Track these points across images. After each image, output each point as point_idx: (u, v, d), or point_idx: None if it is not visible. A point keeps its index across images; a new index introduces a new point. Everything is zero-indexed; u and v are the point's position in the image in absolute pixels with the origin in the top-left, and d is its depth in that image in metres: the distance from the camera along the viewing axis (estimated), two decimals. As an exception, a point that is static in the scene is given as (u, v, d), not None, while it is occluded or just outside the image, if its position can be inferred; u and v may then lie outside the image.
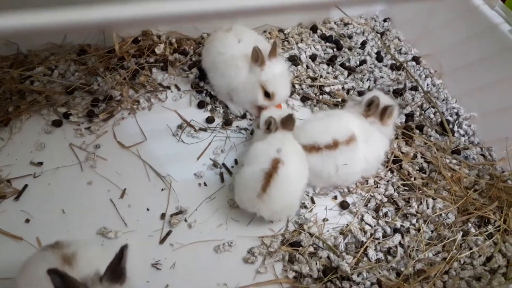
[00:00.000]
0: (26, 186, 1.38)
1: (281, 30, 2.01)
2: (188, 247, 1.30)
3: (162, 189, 1.43)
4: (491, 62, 1.63)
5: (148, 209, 1.38)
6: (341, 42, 1.99)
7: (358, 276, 1.26)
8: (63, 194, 1.38)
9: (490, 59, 1.63)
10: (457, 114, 1.74)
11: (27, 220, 1.31)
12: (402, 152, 1.60)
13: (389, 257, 1.32)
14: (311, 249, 1.32)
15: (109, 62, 1.72)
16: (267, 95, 1.53)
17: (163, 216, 1.37)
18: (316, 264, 1.28)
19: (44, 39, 1.70)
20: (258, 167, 1.27)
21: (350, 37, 2.03)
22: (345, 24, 2.10)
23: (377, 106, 1.44)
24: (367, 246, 1.33)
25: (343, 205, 1.44)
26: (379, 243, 1.35)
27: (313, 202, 1.45)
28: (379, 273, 1.26)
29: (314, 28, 2.04)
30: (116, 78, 1.68)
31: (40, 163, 1.44)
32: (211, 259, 1.29)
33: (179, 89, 1.74)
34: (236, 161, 1.54)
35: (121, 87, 1.66)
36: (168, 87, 1.73)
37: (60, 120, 1.55)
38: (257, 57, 1.49)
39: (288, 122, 1.39)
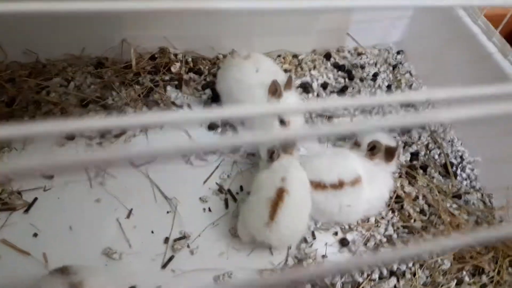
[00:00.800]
0: (36, 199, 1.42)
1: (295, 56, 2.04)
2: (189, 274, 1.34)
3: (168, 212, 1.47)
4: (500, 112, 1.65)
5: (152, 232, 1.42)
6: (353, 72, 2.01)
7: (351, 317, 1.29)
8: (72, 210, 1.42)
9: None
10: (461, 157, 1.77)
11: (35, 235, 1.35)
12: (404, 192, 1.63)
13: (383, 301, 1.36)
14: (309, 286, 1.36)
15: (125, 77, 1.75)
16: (283, 123, 1.55)
17: (166, 240, 1.40)
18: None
19: (63, 49, 1.72)
20: (263, 196, 1.31)
21: (362, 67, 2.05)
22: (359, 54, 2.12)
23: (380, 150, 1.47)
24: (363, 287, 1.37)
25: (343, 243, 1.48)
26: (374, 285, 1.38)
27: (313, 236, 1.49)
28: (373, 317, 1.30)
29: (327, 56, 2.06)
30: (130, 94, 1.71)
31: (51, 177, 1.48)
32: (210, 288, 1.33)
33: (191, 109, 1.77)
34: (241, 188, 1.57)
35: (135, 104, 1.69)
36: (181, 106, 1.76)
37: (73, 134, 1.58)
38: (275, 91, 1.52)
39: (287, 146, 1.41)
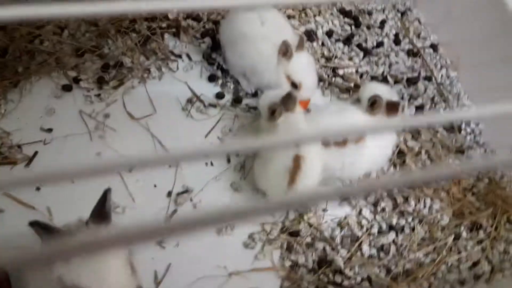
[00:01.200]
0: (36, 152, 1.40)
1: (300, 1, 1.93)
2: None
3: (170, 166, 1.46)
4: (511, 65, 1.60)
5: (155, 186, 1.42)
6: (360, 18, 1.92)
7: (350, 270, 1.33)
8: (73, 164, 1.40)
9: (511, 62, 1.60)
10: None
11: (38, 189, 1.35)
12: (407, 147, 1.62)
13: (382, 254, 1.39)
14: (309, 239, 1.38)
15: (120, 25, 1.66)
16: (294, 86, 1.50)
17: (169, 194, 1.41)
18: (312, 255, 1.35)
19: (54, -5, 1.62)
20: (280, 166, 1.30)
21: (370, 13, 1.96)
22: (367, -1, 2.01)
23: (380, 106, 1.42)
24: (362, 241, 1.40)
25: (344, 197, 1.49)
26: (374, 238, 1.41)
27: (315, 191, 1.49)
28: (370, 270, 1.34)
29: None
30: (127, 43, 1.64)
31: (50, 130, 1.45)
32: (213, 241, 1.35)
33: (190, 59, 1.70)
34: (243, 141, 1.55)
35: (132, 53, 1.63)
36: (180, 56, 1.69)
37: (70, 85, 1.53)
38: (286, 51, 1.46)
39: (288, 101, 1.36)
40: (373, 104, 1.42)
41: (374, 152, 1.44)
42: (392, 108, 1.41)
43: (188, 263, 1.31)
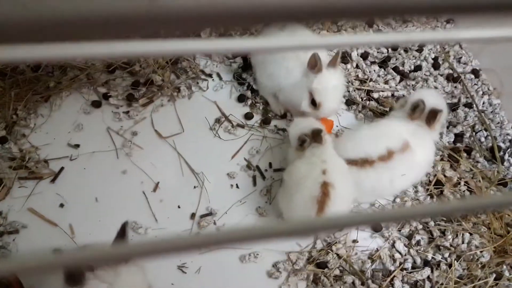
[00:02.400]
0: (62, 168, 1.40)
1: (334, 21, 1.89)
2: (214, 253, 1.31)
3: (195, 187, 1.42)
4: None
5: (179, 207, 1.38)
6: (397, 41, 1.85)
7: (381, 308, 1.24)
8: (98, 181, 1.39)
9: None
10: (510, 141, 1.63)
11: (61, 205, 1.33)
12: (445, 176, 1.52)
13: (415, 292, 1.29)
14: (337, 271, 1.30)
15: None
16: (314, 103, 1.45)
17: (193, 216, 1.36)
18: (340, 289, 1.27)
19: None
20: (307, 194, 1.22)
21: (414, 43, 1.88)
22: (405, 21, 1.95)
23: (422, 111, 1.35)
24: (394, 276, 1.30)
25: (376, 228, 1.40)
26: (408, 273, 1.32)
27: (344, 220, 1.42)
28: (404, 309, 1.24)
29: (370, 22, 1.91)
30: (158, 61, 1.63)
31: (77, 146, 1.45)
32: (236, 268, 1.29)
33: (220, 78, 1.68)
34: (270, 164, 1.50)
35: (162, 71, 1.62)
36: (210, 75, 1.67)
37: (100, 101, 1.53)
38: (314, 65, 1.40)
39: (317, 137, 1.29)
40: (415, 108, 1.36)
41: (421, 157, 1.35)
42: (433, 115, 1.34)
43: (209, 290, 1.25)
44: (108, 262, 0.86)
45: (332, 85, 1.45)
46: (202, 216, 1.36)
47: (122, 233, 0.90)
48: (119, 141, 1.48)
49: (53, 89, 1.51)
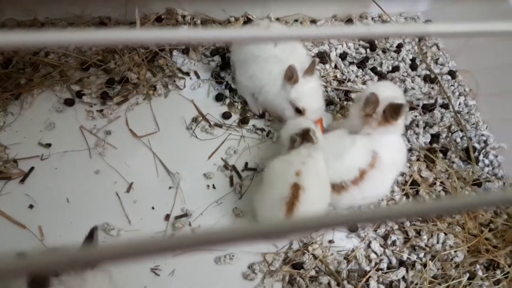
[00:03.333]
0: (32, 168, 1.35)
1: (313, 21, 1.89)
2: (189, 255, 1.28)
3: (170, 187, 1.40)
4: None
5: (153, 208, 1.35)
6: (376, 42, 1.86)
7: (356, 308, 1.24)
8: (69, 181, 1.35)
9: (533, 92, 1.52)
10: (485, 142, 1.65)
11: (31, 206, 1.29)
12: (421, 177, 1.53)
13: (390, 292, 1.30)
14: (313, 272, 1.30)
15: (128, 40, 1.63)
16: (298, 111, 1.43)
17: (167, 217, 1.34)
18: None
19: (63, 8, 1.60)
20: (277, 194, 1.20)
21: (386, 37, 1.89)
22: (383, 22, 1.96)
23: (372, 103, 1.29)
24: (369, 277, 1.31)
25: (352, 228, 1.40)
26: (383, 273, 1.32)
27: (321, 220, 1.41)
28: (378, 310, 1.25)
29: (349, 22, 1.91)
30: (134, 59, 1.60)
31: (49, 145, 1.41)
32: (211, 270, 1.28)
33: (198, 77, 1.65)
34: (246, 164, 1.48)
35: (138, 69, 1.58)
36: (187, 73, 1.65)
37: (73, 99, 1.49)
38: (291, 76, 1.39)
39: (306, 135, 1.29)
40: (366, 102, 1.30)
41: (392, 161, 1.34)
42: (395, 110, 1.28)
43: (183, 293, 1.23)
44: (74, 266, 0.84)
45: (310, 89, 1.44)
46: (177, 218, 1.34)
47: (90, 236, 0.87)
48: (92, 140, 1.44)
49: (24, 86, 1.47)
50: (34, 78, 1.48)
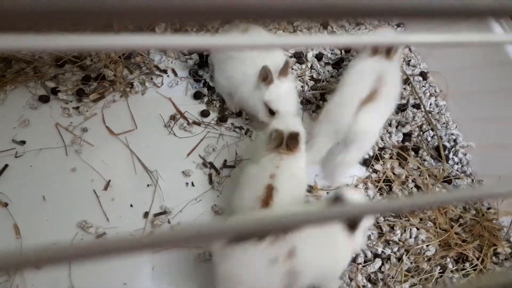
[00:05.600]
0: (6, 165, 1.32)
1: (290, 22, 1.91)
2: (168, 252, 1.29)
3: (148, 185, 1.39)
4: (499, 97, 1.59)
5: (131, 205, 1.35)
6: (350, 43, 1.90)
7: (333, 302, 1.27)
8: (45, 179, 1.33)
9: (500, 93, 1.59)
10: (455, 140, 1.71)
11: (6, 204, 1.26)
12: (394, 174, 1.59)
13: (369, 285, 1.34)
14: (291, 268, 1.32)
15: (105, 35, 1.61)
16: (271, 112, 1.45)
17: (146, 215, 1.34)
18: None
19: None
20: (253, 193, 1.22)
21: (363, 46, 1.94)
22: (357, 24, 2.00)
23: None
24: (356, 270, 1.34)
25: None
26: (363, 267, 1.36)
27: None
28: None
29: (325, 24, 1.95)
30: (111, 56, 1.58)
31: (23, 142, 1.37)
32: (190, 267, 1.28)
33: (176, 75, 1.65)
34: (225, 162, 1.49)
35: (115, 66, 1.57)
36: (165, 71, 1.64)
37: (48, 96, 1.46)
38: (265, 77, 1.41)
39: (292, 141, 1.28)
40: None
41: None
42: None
43: (163, 290, 1.23)
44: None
45: (284, 91, 1.45)
46: (156, 215, 1.34)
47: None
48: (68, 137, 1.42)
49: (-4, 82, 1.43)
50: (6, 74, 1.44)
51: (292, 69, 1.76)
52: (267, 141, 1.32)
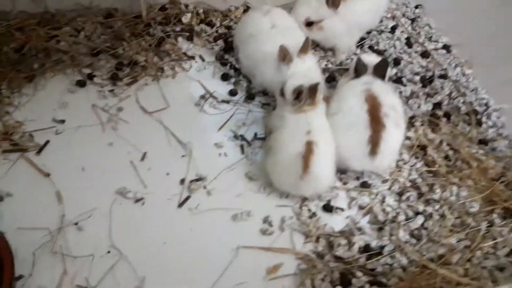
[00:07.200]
0: (47, 141, 1.38)
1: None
2: (206, 213, 1.29)
3: (183, 156, 1.42)
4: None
5: (168, 174, 1.37)
6: (370, 25, 1.94)
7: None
8: (84, 153, 1.37)
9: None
10: (486, 105, 1.69)
11: (48, 174, 1.30)
12: (428, 140, 1.56)
13: (413, 240, 1.29)
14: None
15: (135, 28, 1.71)
16: (283, 93, 1.46)
17: (182, 181, 1.35)
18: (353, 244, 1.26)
19: (72, 0, 1.68)
20: (292, 152, 1.25)
21: (380, 20, 1.98)
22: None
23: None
24: (398, 225, 1.31)
25: (365, 186, 1.41)
26: (404, 224, 1.32)
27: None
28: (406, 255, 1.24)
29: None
30: (141, 44, 1.66)
31: (63, 121, 1.44)
32: (228, 226, 1.27)
33: (203, 60, 1.71)
34: (255, 135, 1.51)
35: (146, 53, 1.64)
36: (193, 57, 1.71)
37: (84, 81, 1.54)
38: (284, 56, 1.45)
39: (313, 91, 1.30)
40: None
41: None
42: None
43: (202, 248, 1.22)
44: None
45: (306, 68, 1.47)
46: (192, 181, 1.35)
47: None
48: (104, 116, 1.48)
49: (37, 70, 1.51)
50: (46, 63, 1.53)
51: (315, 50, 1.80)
52: (289, 102, 1.34)
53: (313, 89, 1.30)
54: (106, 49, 1.62)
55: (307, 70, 1.49)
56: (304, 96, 1.30)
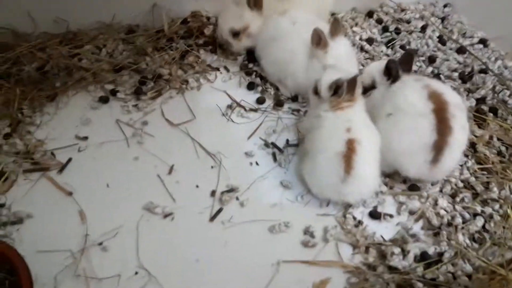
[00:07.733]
0: (70, 159, 1.31)
1: (333, 14, 1.90)
2: (241, 226, 1.18)
3: (212, 167, 1.32)
4: None
5: (197, 186, 1.27)
6: (400, 26, 1.86)
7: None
8: (108, 169, 1.30)
9: None
10: (536, 96, 1.56)
11: (70, 193, 1.23)
12: (475, 136, 1.43)
13: (475, 244, 1.15)
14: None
15: (157, 42, 1.66)
16: (316, 92, 1.38)
17: (213, 193, 1.25)
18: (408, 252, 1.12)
19: (93, 18, 1.66)
20: (331, 152, 1.14)
21: (408, 22, 1.89)
22: (402, 10, 1.97)
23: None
24: (455, 228, 1.16)
25: (413, 189, 1.28)
26: (462, 228, 1.18)
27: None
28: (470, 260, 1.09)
29: (370, 14, 1.92)
30: (164, 58, 1.61)
31: (85, 138, 1.37)
32: (266, 239, 1.16)
33: (228, 71, 1.65)
34: (287, 141, 1.41)
35: (169, 66, 1.59)
36: (217, 69, 1.65)
37: (107, 97, 1.49)
38: (318, 40, 1.36)
39: (352, 84, 1.20)
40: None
41: None
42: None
43: (239, 263, 1.11)
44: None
45: (345, 52, 1.42)
46: (223, 192, 1.25)
47: None
48: (129, 131, 1.41)
49: (59, 88, 1.47)
50: (68, 81, 1.49)
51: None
52: (326, 100, 1.24)
53: (352, 82, 1.20)
54: (128, 64, 1.58)
55: (345, 54, 1.41)
56: (342, 91, 1.19)
